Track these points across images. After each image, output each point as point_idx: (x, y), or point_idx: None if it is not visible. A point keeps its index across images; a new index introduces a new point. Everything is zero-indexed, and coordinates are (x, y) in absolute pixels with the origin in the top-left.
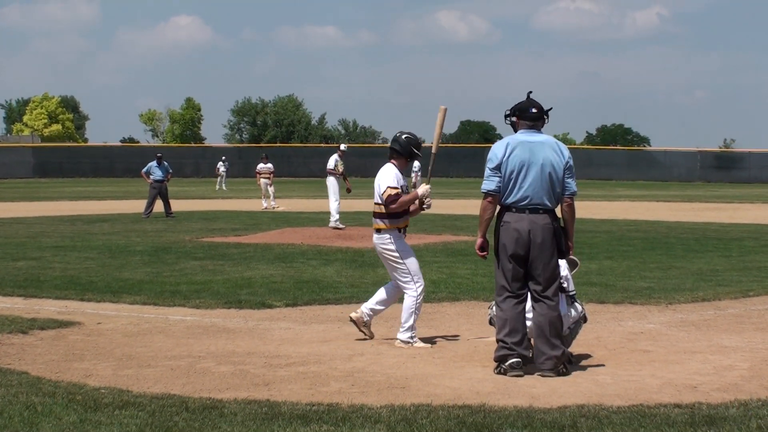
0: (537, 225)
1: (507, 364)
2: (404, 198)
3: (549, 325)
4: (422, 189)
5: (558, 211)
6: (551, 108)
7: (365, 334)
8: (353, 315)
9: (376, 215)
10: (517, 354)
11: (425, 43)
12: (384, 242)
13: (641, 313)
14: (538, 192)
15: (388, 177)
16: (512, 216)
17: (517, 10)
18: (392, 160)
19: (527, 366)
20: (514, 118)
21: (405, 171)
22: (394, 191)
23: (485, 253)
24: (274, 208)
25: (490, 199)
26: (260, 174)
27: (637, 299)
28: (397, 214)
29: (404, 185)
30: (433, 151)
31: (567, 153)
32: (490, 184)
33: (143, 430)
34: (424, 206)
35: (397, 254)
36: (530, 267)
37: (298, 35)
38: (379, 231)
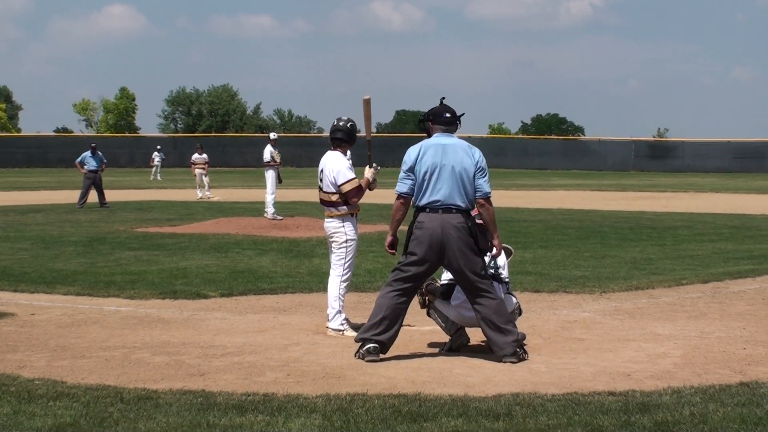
0: (450, 224)
1: (365, 349)
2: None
3: (495, 314)
4: (369, 173)
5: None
6: (464, 113)
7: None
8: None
9: (327, 203)
10: (376, 340)
11: (360, 33)
12: (336, 225)
13: (576, 301)
14: (450, 193)
15: (343, 170)
16: (426, 216)
17: None
18: (337, 149)
19: (386, 353)
20: (428, 123)
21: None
22: (355, 184)
23: (395, 251)
24: (209, 198)
25: (402, 200)
26: (195, 164)
27: (571, 288)
28: (349, 201)
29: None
30: (368, 138)
31: (478, 155)
32: (402, 186)
33: (78, 422)
34: (371, 188)
35: (344, 237)
36: (450, 266)
37: (232, 24)
38: (331, 216)
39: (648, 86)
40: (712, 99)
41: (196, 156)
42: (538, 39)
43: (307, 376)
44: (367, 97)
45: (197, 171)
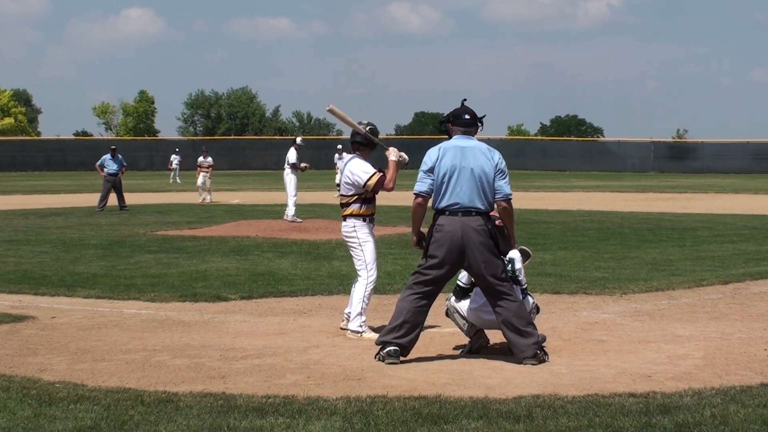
0: (470, 227)
1: (385, 351)
2: (388, 174)
3: (515, 317)
4: (393, 154)
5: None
6: (485, 115)
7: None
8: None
9: (344, 205)
10: (396, 344)
11: (378, 35)
12: (348, 229)
13: (596, 303)
14: (469, 195)
15: (359, 172)
16: (446, 219)
17: (468, 0)
18: (356, 152)
19: (406, 355)
20: (448, 125)
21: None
22: (377, 176)
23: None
24: (206, 201)
25: (420, 200)
26: (201, 167)
27: (591, 289)
28: (365, 201)
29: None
30: (362, 132)
31: (497, 157)
32: (422, 185)
33: (98, 425)
34: (404, 163)
35: (356, 240)
36: (470, 269)
37: (251, 27)
38: (345, 219)
39: (667, 87)
40: (731, 99)
41: (201, 159)
42: (555, 40)
43: (328, 378)
44: (329, 107)
45: (201, 174)
